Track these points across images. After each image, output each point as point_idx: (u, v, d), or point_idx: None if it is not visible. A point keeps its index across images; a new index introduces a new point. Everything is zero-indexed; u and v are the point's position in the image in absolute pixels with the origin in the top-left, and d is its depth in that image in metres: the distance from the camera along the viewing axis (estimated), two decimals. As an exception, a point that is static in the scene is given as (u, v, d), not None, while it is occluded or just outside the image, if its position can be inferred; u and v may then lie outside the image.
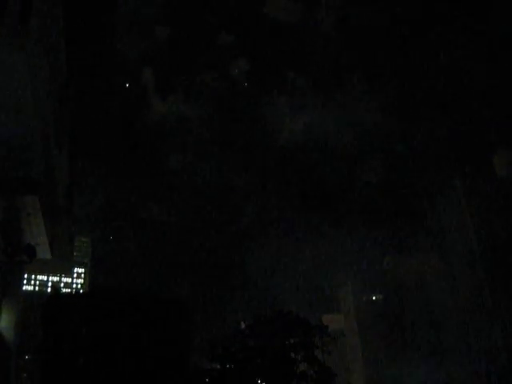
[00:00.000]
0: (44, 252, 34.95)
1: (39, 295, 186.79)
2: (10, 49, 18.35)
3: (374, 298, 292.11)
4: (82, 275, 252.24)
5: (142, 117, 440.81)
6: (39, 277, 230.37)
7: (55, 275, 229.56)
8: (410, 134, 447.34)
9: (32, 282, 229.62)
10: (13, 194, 25.37)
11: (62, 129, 25.46)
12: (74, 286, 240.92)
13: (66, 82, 26.05)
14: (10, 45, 18.52)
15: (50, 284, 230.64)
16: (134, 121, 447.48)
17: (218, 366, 60.96)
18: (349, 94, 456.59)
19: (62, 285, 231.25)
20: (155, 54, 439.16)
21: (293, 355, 62.34)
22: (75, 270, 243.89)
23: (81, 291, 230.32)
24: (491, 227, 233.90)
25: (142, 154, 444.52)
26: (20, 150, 22.28)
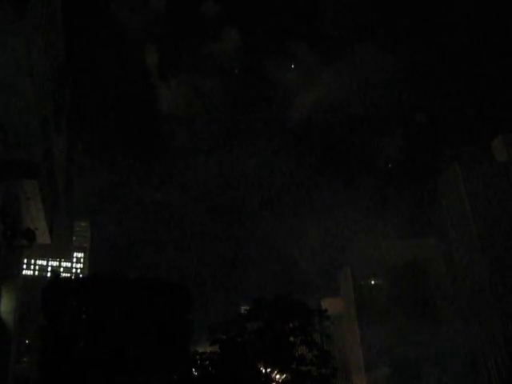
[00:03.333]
0: (43, 236, 34.87)
1: (39, 280, 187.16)
2: (8, 31, 18.07)
3: (372, 282, 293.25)
4: (82, 260, 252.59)
5: (144, 97, 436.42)
6: (39, 261, 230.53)
7: (55, 260, 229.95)
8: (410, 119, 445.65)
9: (32, 266, 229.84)
10: (12, 178, 25.20)
11: (61, 112, 25.25)
12: (74, 270, 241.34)
13: (64, 64, 25.78)
14: (8, 27, 18.22)
15: (49, 269, 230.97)
16: (136, 102, 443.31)
17: (218, 350, 61.19)
18: (358, 63, 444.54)
19: (61, 269, 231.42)
20: (152, 29, 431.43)
21: (292, 339, 62.52)
22: (74, 254, 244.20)
23: (80, 276, 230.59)
24: (489, 211, 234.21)
25: (144, 137, 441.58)
26: (19, 134, 22.06)
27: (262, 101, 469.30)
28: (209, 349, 65.39)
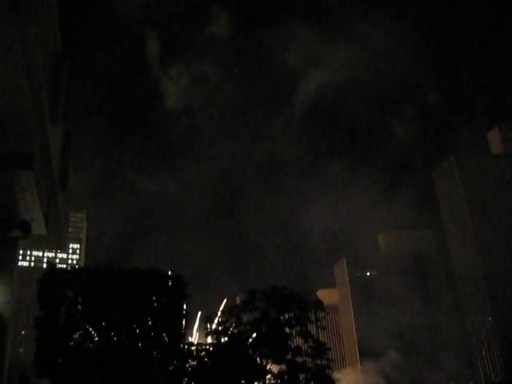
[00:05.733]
0: (39, 227, 34.79)
1: (34, 271, 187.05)
2: (2, 22, 17.91)
3: (367, 273, 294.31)
4: (77, 251, 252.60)
5: (142, 87, 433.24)
6: (34, 252, 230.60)
7: (50, 251, 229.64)
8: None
9: (27, 257, 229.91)
10: (7, 169, 25.11)
11: (57, 102, 25.13)
12: (70, 261, 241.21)
13: (61, 54, 25.65)
14: (2, 17, 18.05)
15: (45, 260, 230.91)
16: (134, 92, 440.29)
17: (214, 341, 61.32)
18: (364, 40, 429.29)
19: (57, 260, 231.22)
20: (148, 17, 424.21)
21: (287, 330, 62.65)
22: (70, 245, 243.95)
23: (76, 267, 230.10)
24: (485, 203, 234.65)
25: (141, 127, 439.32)
26: (14, 125, 21.94)
27: (266, 85, 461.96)
28: (205, 339, 65.64)
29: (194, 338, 69.49)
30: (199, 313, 73.99)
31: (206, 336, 64.35)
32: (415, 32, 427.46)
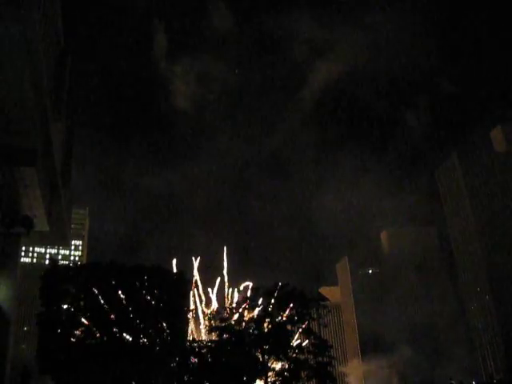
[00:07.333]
0: (42, 224, 34.77)
1: (37, 267, 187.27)
2: (6, 17, 17.86)
3: (370, 271, 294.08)
4: (80, 247, 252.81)
5: (146, 83, 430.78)
6: (37, 249, 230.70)
7: (53, 247, 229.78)
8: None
9: (30, 254, 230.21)
10: (10, 165, 25.10)
11: (60, 98, 25.10)
12: (72, 258, 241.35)
13: (64, 48, 25.61)
14: (6, 13, 17.99)
15: (47, 256, 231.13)
16: (137, 87, 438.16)
17: (216, 338, 61.35)
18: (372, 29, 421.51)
19: (59, 257, 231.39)
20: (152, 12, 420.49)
21: (290, 327, 62.68)
22: (73, 242, 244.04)
23: (78, 263, 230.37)
24: (487, 201, 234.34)
25: (144, 124, 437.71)
26: (17, 121, 21.89)
27: (274, 77, 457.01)
28: (207, 336, 65.69)
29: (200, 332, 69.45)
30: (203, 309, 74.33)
31: (209, 333, 64.44)
32: (421, 25, 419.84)
